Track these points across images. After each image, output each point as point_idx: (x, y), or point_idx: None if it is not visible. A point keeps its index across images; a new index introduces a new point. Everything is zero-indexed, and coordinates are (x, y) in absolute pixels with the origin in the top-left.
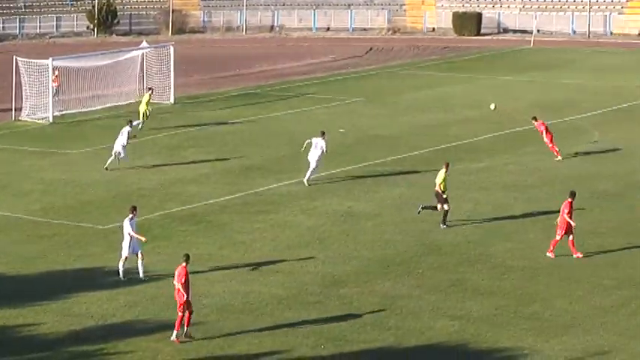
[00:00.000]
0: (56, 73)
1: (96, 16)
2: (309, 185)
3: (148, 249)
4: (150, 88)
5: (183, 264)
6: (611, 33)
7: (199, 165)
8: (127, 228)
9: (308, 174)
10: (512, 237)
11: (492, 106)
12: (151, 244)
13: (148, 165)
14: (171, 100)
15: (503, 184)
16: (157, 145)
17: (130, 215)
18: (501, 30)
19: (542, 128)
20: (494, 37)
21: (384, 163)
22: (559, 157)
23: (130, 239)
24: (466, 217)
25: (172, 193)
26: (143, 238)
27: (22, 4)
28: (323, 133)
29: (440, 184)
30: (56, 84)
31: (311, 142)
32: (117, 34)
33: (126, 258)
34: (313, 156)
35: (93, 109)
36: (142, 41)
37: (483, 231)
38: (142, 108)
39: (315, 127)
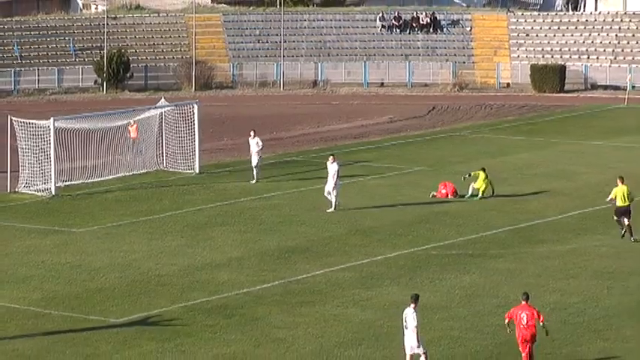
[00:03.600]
0: (132, 122)
1: (105, 69)
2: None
3: (170, 347)
4: (482, 169)
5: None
6: None
7: (230, 247)
8: (412, 321)
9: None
10: (607, 334)
11: None
12: (174, 342)
13: (168, 246)
14: (196, 169)
15: (595, 271)
16: (178, 222)
17: (413, 305)
18: (589, 86)
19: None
20: (581, 95)
21: (451, 245)
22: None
23: (417, 334)
24: (550, 310)
25: (198, 280)
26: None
27: (18, 54)
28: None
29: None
30: (134, 136)
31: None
32: (130, 90)
33: (411, 357)
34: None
35: (102, 179)
36: (161, 98)
37: (571, 327)
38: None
39: (369, 200)
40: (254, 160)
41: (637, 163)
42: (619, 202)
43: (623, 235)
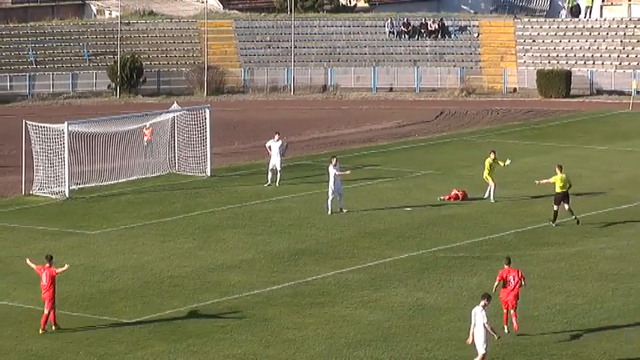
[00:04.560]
0: (148, 125)
1: (118, 74)
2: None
3: (182, 347)
4: (493, 151)
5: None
6: None
7: (241, 249)
8: (482, 318)
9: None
10: (612, 336)
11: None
12: (185, 342)
13: (180, 248)
14: (208, 173)
15: (600, 273)
16: (190, 225)
17: (483, 303)
18: (594, 91)
19: None
20: (586, 100)
21: (458, 247)
22: None
23: (485, 332)
24: (556, 312)
25: (209, 282)
26: (496, 336)
27: (33, 59)
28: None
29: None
30: (149, 138)
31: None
32: (143, 95)
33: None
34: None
35: (115, 182)
36: (173, 103)
37: (576, 328)
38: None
39: (377, 203)
40: (274, 163)
41: (638, 166)
42: (558, 189)
43: (554, 222)
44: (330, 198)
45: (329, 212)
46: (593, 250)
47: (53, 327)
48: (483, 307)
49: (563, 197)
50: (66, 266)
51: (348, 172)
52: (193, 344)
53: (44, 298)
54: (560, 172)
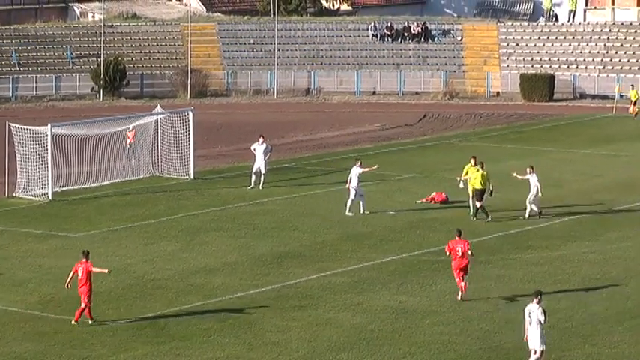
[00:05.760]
0: (131, 128)
1: (102, 76)
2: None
3: (165, 350)
4: (473, 157)
5: None
6: None
7: (224, 252)
8: (539, 317)
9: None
10: (594, 339)
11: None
12: (168, 345)
13: (163, 251)
14: (191, 175)
15: (583, 277)
16: (173, 227)
17: (536, 300)
18: (577, 95)
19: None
20: (569, 104)
21: (441, 250)
22: None
23: (542, 329)
24: None
25: (193, 284)
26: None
27: (16, 61)
28: (358, 160)
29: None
30: (132, 141)
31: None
32: (126, 97)
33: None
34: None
35: (99, 184)
36: (156, 105)
37: (559, 332)
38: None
39: (360, 206)
40: (258, 166)
41: (624, 172)
42: (477, 186)
43: (474, 216)
44: (352, 199)
45: (348, 213)
46: (576, 254)
47: (90, 320)
48: (537, 303)
49: (481, 194)
50: (106, 270)
51: (376, 166)
52: (176, 347)
53: (81, 292)
54: (482, 169)
